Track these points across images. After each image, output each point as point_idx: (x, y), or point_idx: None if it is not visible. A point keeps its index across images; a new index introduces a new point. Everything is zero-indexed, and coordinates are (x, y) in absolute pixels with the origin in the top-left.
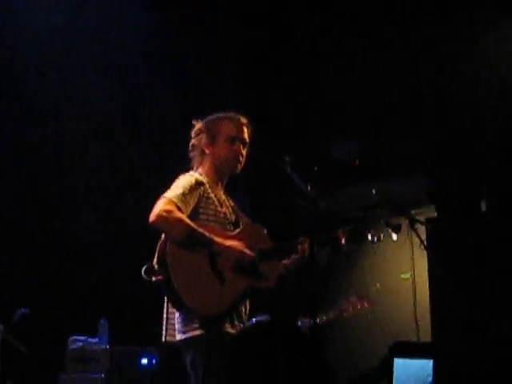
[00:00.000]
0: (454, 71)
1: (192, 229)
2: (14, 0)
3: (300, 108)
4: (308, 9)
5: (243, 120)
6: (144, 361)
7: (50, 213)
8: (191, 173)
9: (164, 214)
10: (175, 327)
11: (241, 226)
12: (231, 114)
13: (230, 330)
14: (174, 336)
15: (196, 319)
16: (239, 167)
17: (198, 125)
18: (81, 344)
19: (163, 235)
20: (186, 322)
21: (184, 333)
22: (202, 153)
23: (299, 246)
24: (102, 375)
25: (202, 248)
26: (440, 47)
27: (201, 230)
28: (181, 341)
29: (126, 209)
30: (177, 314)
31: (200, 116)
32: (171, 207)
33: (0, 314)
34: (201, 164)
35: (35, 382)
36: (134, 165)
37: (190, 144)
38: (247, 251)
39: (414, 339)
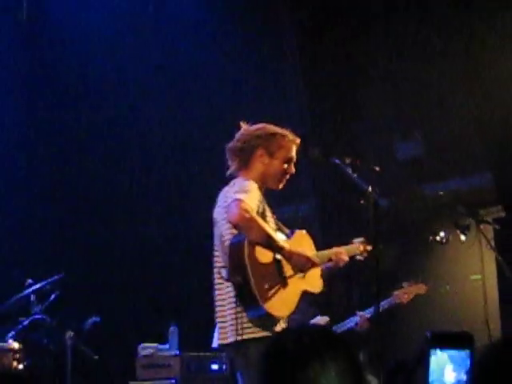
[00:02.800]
0: None
1: (268, 231)
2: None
3: (363, 108)
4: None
5: (298, 141)
6: (214, 366)
7: (117, 222)
8: (245, 178)
9: (246, 214)
10: (227, 329)
11: (285, 231)
12: (291, 134)
13: None
14: (221, 339)
15: (260, 321)
16: (281, 185)
17: (249, 129)
18: (151, 351)
19: (225, 240)
20: (251, 323)
21: (245, 334)
22: (251, 159)
23: (334, 257)
24: (173, 381)
25: (274, 251)
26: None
27: (274, 233)
28: (239, 341)
29: (192, 216)
30: (232, 316)
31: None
32: (249, 208)
33: (71, 322)
34: (246, 170)
35: None
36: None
37: (237, 146)
38: (312, 258)
39: (485, 341)
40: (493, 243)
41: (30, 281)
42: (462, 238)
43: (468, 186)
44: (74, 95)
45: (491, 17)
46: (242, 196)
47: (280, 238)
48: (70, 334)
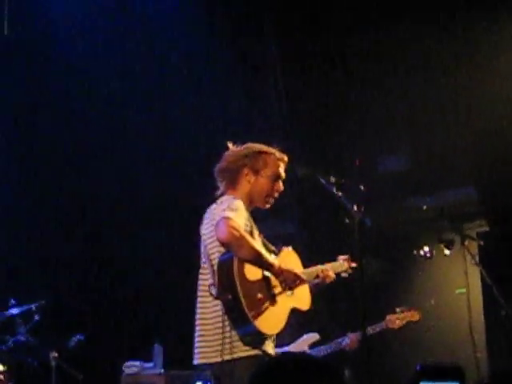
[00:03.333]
0: (502, 81)
1: (258, 249)
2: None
3: (348, 124)
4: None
5: (286, 158)
6: None
7: (102, 241)
8: (233, 196)
9: (235, 232)
10: (212, 348)
11: (272, 248)
12: (278, 152)
13: (271, 351)
14: (205, 358)
15: (249, 340)
16: (269, 204)
17: (235, 150)
18: (136, 369)
19: (213, 257)
20: (240, 342)
21: (234, 353)
22: (238, 178)
23: (321, 274)
24: None
25: (263, 268)
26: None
27: (263, 250)
28: (228, 360)
29: (178, 236)
30: (218, 335)
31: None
32: (238, 226)
33: (55, 341)
34: (233, 190)
35: None
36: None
37: (224, 166)
38: (301, 275)
39: (470, 353)
40: (477, 258)
41: (12, 301)
42: (446, 252)
43: (452, 200)
44: (60, 107)
45: (478, 31)
46: (231, 214)
47: (268, 255)
48: (54, 354)
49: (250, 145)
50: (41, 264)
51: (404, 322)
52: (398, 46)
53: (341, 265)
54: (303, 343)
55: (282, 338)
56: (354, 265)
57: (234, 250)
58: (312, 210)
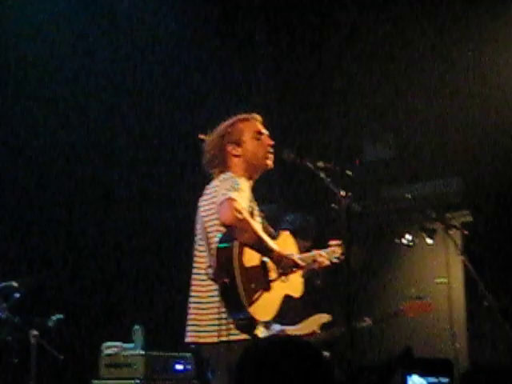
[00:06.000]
0: (487, 70)
1: (260, 234)
2: None
3: (333, 112)
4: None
5: (258, 116)
6: (179, 366)
7: (81, 219)
8: (236, 175)
9: (239, 216)
10: (204, 328)
11: (270, 230)
12: (244, 115)
13: (261, 336)
14: (199, 337)
15: (242, 324)
16: (271, 160)
17: (209, 137)
18: (115, 350)
19: (212, 238)
20: (232, 325)
21: (225, 336)
22: (227, 159)
23: (318, 259)
24: (137, 381)
25: (263, 254)
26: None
27: (264, 235)
28: (218, 342)
29: (160, 215)
30: (212, 316)
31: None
32: (242, 209)
33: (35, 320)
34: (229, 169)
35: None
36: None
37: (209, 156)
38: (300, 261)
39: (449, 344)
40: (460, 247)
41: None
42: (429, 241)
43: (436, 190)
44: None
45: (464, 19)
46: (234, 195)
47: (269, 240)
48: (34, 332)
49: (220, 125)
50: (22, 242)
51: (420, 312)
52: (382, 33)
53: (334, 251)
54: (313, 323)
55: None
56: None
57: (236, 233)
58: (298, 195)
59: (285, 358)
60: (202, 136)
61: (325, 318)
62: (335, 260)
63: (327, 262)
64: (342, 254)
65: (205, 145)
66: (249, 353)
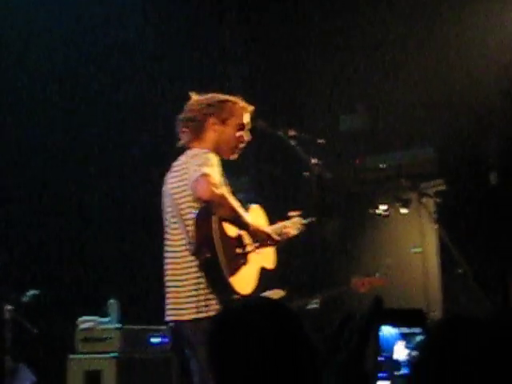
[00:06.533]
0: (465, 41)
1: (236, 208)
2: None
3: (308, 80)
4: None
5: (251, 109)
6: (155, 340)
7: (55, 191)
8: (205, 150)
9: (217, 191)
10: (184, 306)
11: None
12: (242, 102)
13: None
14: (178, 315)
15: (223, 298)
16: (236, 154)
17: (198, 98)
18: (91, 324)
19: (186, 213)
20: (214, 300)
21: (207, 311)
22: (203, 129)
23: (284, 231)
24: (113, 355)
25: (240, 227)
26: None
27: (241, 209)
28: (201, 318)
29: (135, 184)
30: (191, 292)
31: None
32: (218, 184)
33: (10, 296)
34: (199, 140)
35: (45, 362)
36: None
37: (188, 115)
38: (274, 235)
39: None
40: (434, 216)
41: None
42: (403, 211)
43: (410, 159)
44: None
45: None
46: (208, 170)
47: (245, 214)
48: (8, 307)
49: (213, 94)
50: None
51: (369, 286)
52: (358, 2)
53: (298, 221)
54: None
55: None
56: (304, 222)
57: (214, 207)
58: (269, 165)
59: (260, 317)
60: (192, 93)
61: (279, 293)
62: (299, 230)
63: (294, 232)
64: (302, 224)
65: (189, 103)
66: (224, 314)
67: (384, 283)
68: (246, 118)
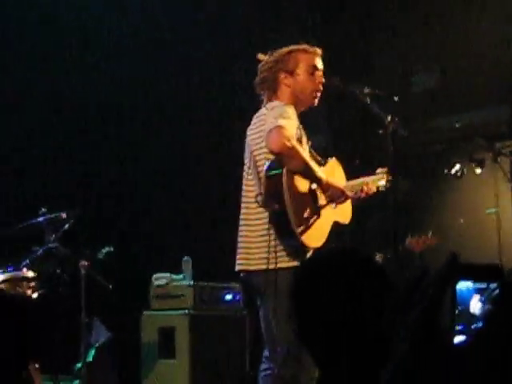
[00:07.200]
0: None
1: (308, 161)
2: None
3: (380, 41)
4: None
5: (319, 51)
6: (228, 297)
7: (127, 154)
8: (284, 103)
9: (288, 143)
10: (254, 256)
11: (318, 158)
12: (306, 46)
13: None
14: (249, 265)
15: (293, 251)
16: (318, 98)
17: (267, 58)
18: (165, 281)
19: (260, 166)
20: (284, 252)
21: (277, 263)
22: (277, 86)
23: (364, 187)
24: (186, 312)
25: (311, 181)
26: None
27: (312, 163)
28: (270, 270)
29: (204, 147)
30: (262, 244)
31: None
32: (291, 136)
33: (85, 252)
34: (276, 97)
35: (120, 319)
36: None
37: (261, 77)
38: (347, 192)
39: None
40: (509, 175)
41: (43, 209)
42: (478, 171)
43: (484, 119)
44: None
45: None
46: (283, 122)
47: (317, 168)
48: (83, 263)
49: (278, 50)
50: (73, 174)
51: (424, 246)
52: None
53: (380, 178)
54: None
55: None
56: (390, 178)
57: (285, 160)
58: (344, 122)
59: (346, 263)
60: (260, 55)
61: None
62: (382, 188)
63: (374, 190)
64: (388, 181)
65: (260, 65)
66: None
67: (434, 242)
68: (316, 61)
